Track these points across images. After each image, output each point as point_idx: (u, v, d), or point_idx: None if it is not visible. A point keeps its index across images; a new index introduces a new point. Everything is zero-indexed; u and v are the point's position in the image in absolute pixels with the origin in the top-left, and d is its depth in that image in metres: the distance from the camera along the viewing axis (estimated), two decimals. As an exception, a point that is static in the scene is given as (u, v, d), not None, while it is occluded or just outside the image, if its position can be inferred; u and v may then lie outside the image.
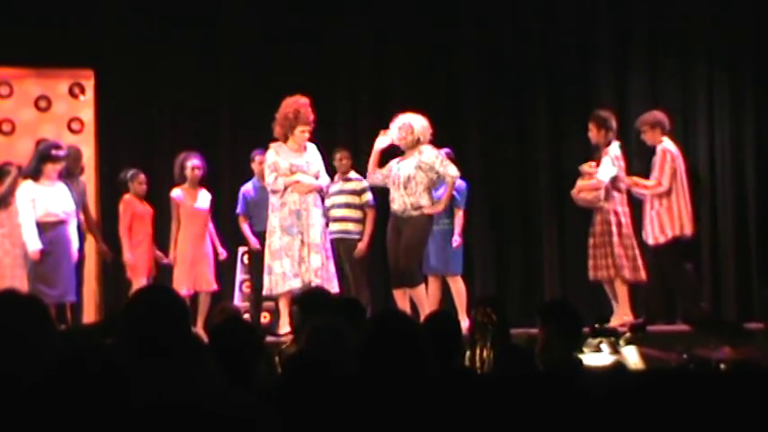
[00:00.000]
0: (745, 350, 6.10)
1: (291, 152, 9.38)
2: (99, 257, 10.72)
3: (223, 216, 10.87)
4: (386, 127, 9.64)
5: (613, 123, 9.88)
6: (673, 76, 11.34)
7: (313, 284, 8.90)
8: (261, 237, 9.75)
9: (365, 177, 9.98)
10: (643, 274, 9.80)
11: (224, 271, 10.81)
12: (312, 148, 9.47)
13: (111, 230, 10.45)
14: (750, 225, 11.01)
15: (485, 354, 5.73)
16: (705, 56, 11.29)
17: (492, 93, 11.75)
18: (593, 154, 10.02)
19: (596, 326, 6.40)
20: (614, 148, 9.80)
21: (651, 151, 9.99)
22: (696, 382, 3.71)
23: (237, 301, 10.87)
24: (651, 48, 11.44)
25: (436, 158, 9.44)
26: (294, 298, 7.38)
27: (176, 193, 10.23)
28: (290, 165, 9.32)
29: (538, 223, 11.63)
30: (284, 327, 8.94)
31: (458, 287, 10.03)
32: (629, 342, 6.42)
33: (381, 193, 9.86)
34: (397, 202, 9.44)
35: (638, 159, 10.25)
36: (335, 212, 10.19)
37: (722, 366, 5.91)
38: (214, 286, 10.27)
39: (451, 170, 9.49)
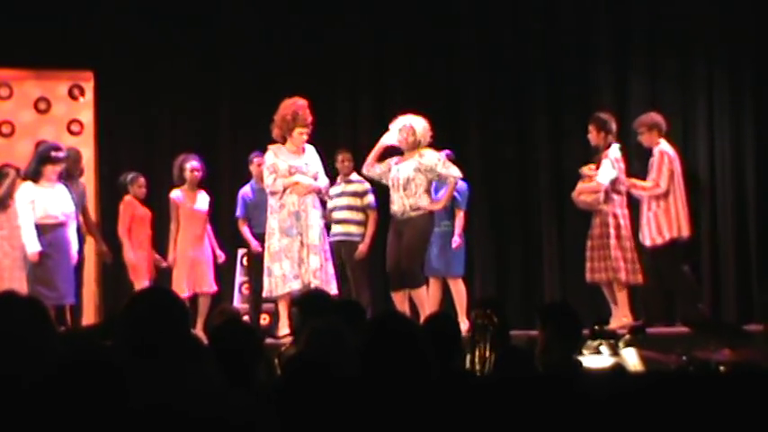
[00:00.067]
0: (744, 352, 6.10)
1: (290, 154, 9.38)
2: (99, 259, 10.72)
3: (222, 218, 10.87)
4: (386, 128, 9.64)
5: (613, 126, 9.88)
6: (672, 76, 11.33)
7: (312, 286, 8.91)
8: (260, 239, 9.75)
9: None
10: (641, 277, 9.81)
11: (223, 273, 10.81)
12: (310, 149, 9.47)
13: (111, 232, 10.44)
14: (750, 227, 10.99)
15: (485, 355, 5.72)
16: (705, 56, 11.28)
17: (492, 93, 11.75)
18: (593, 155, 10.02)
19: (596, 328, 6.40)
20: (614, 151, 9.80)
21: (648, 153, 10.00)
22: (696, 383, 3.72)
23: (237, 302, 10.86)
24: (651, 48, 11.43)
25: (438, 161, 9.44)
26: (294, 300, 7.38)
27: (175, 194, 10.23)
28: (289, 166, 9.32)
29: (538, 224, 11.63)
30: (284, 328, 8.94)
31: (458, 289, 10.03)
32: (628, 344, 6.41)
33: (383, 195, 9.84)
34: (397, 203, 9.44)
35: (638, 161, 10.24)
36: (337, 215, 10.18)
37: (722, 368, 5.91)
38: (214, 288, 10.27)
39: (454, 171, 9.50)
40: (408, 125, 9.44)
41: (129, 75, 11.50)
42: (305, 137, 9.38)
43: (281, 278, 9.21)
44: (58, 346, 3.50)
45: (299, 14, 11.66)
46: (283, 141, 9.41)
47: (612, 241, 9.71)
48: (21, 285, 9.20)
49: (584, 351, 6.06)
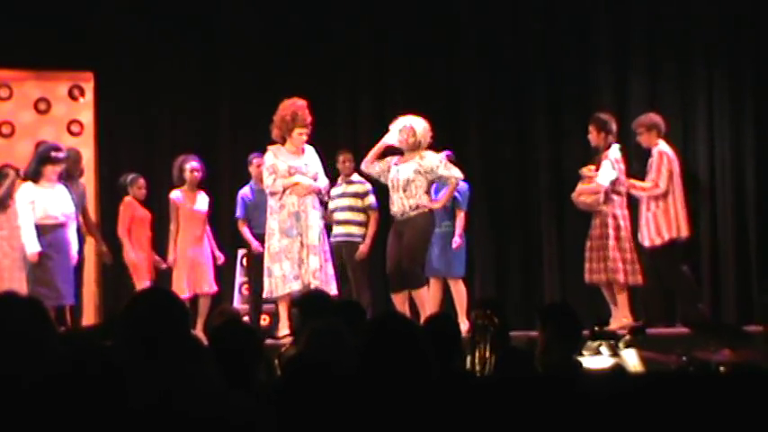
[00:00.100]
0: (744, 353, 6.10)
1: (290, 154, 9.39)
2: (99, 259, 10.72)
3: (222, 219, 10.86)
4: (386, 128, 9.64)
5: (613, 126, 9.88)
6: (672, 76, 11.32)
7: (312, 286, 8.91)
8: (260, 240, 9.75)
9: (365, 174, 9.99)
10: (640, 278, 9.80)
11: (223, 273, 10.81)
12: (310, 150, 9.48)
13: (111, 232, 10.44)
14: (750, 228, 10.98)
15: (486, 356, 5.72)
16: (705, 56, 11.27)
17: (492, 93, 11.75)
18: (593, 155, 10.02)
19: (596, 329, 6.40)
20: (614, 151, 9.80)
21: (647, 153, 10.00)
22: (695, 384, 3.72)
23: (237, 303, 10.86)
24: (651, 48, 11.43)
25: (440, 163, 9.45)
26: (294, 300, 7.39)
27: (175, 194, 10.23)
28: (289, 167, 9.32)
29: (538, 224, 11.62)
30: (284, 329, 8.94)
31: (459, 289, 10.03)
32: (628, 345, 6.41)
33: (384, 196, 9.83)
34: (397, 204, 9.44)
35: (638, 162, 10.23)
36: (338, 215, 10.18)
37: (722, 369, 5.91)
38: (214, 288, 10.27)
39: (455, 172, 9.51)
40: (408, 126, 9.44)
41: (128, 75, 11.50)
42: (304, 137, 9.38)
43: (281, 279, 9.21)
44: (57, 346, 3.50)
45: (299, 14, 11.65)
46: (283, 142, 9.41)
47: (611, 242, 9.71)
48: (20, 286, 9.20)
49: (584, 352, 6.06)
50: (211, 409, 3.24)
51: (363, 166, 9.75)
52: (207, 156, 10.75)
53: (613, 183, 9.75)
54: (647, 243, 9.85)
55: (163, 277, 10.28)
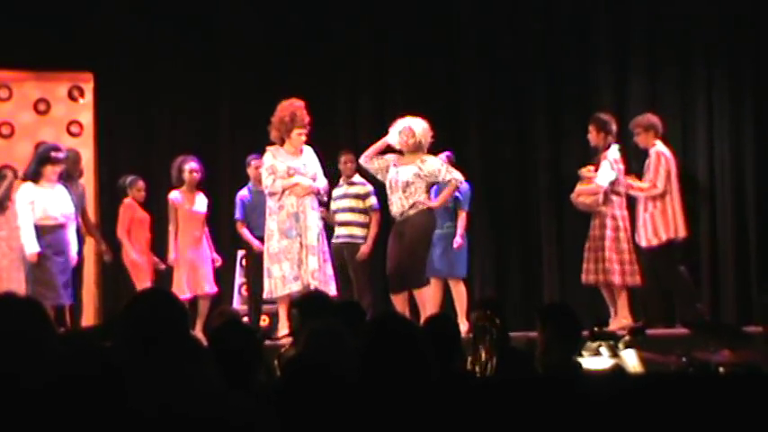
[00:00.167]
0: (744, 353, 6.09)
1: (288, 155, 9.39)
2: (98, 259, 10.71)
3: (221, 219, 10.86)
4: (386, 128, 9.64)
5: (613, 127, 9.88)
6: (672, 76, 11.32)
7: (311, 287, 8.91)
8: (259, 241, 9.74)
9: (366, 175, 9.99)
10: (638, 278, 9.80)
11: (223, 274, 10.81)
12: (308, 150, 9.48)
13: (111, 233, 10.44)
14: (749, 228, 10.97)
15: (485, 357, 5.72)
16: (705, 57, 11.26)
17: (492, 93, 11.74)
18: (593, 155, 10.02)
19: (595, 329, 6.39)
20: (613, 152, 9.80)
21: (644, 154, 10.00)
22: (695, 385, 3.72)
23: (237, 304, 10.85)
24: (651, 48, 11.42)
25: (441, 166, 9.46)
26: (293, 301, 7.38)
27: (174, 195, 10.22)
28: (288, 167, 9.32)
29: (537, 224, 11.62)
30: (283, 330, 8.93)
31: (459, 290, 10.03)
32: (628, 345, 6.40)
33: (385, 197, 9.81)
34: (396, 204, 9.44)
35: (637, 162, 10.23)
36: (340, 217, 10.17)
37: (721, 369, 5.90)
38: (214, 289, 10.27)
39: (456, 174, 9.52)
40: (407, 127, 9.44)
41: (128, 76, 11.50)
42: (303, 137, 9.38)
43: (281, 279, 9.22)
44: (57, 346, 3.50)
45: (299, 14, 11.65)
46: (282, 143, 9.41)
47: (608, 243, 9.71)
48: (19, 286, 9.20)
49: (584, 352, 6.05)
50: (211, 410, 3.24)
51: (362, 160, 9.74)
52: (206, 156, 10.74)
53: (613, 183, 9.75)
54: (644, 243, 9.85)
55: (163, 278, 10.27)
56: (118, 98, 11.54)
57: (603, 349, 6.23)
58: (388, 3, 11.78)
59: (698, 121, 11.19)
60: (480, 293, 10.87)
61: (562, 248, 11.43)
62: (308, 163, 9.42)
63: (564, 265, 11.33)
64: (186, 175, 10.20)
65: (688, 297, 9.89)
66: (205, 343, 4.79)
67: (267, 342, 8.23)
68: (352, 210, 10.18)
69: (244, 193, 10.37)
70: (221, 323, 5.41)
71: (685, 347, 6.38)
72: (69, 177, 9.79)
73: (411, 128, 9.43)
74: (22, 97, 11.63)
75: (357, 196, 10.20)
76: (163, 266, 10.30)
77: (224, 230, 10.90)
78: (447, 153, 10.00)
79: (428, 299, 9.40)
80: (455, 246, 10.05)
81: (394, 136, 9.49)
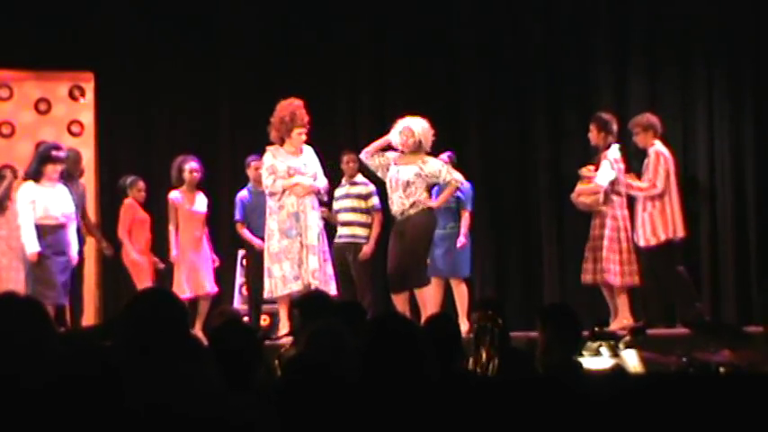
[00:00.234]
0: (744, 353, 6.09)
1: (288, 155, 9.39)
2: (100, 256, 10.72)
3: (222, 219, 10.85)
4: (386, 128, 9.64)
5: (614, 127, 9.88)
6: (672, 76, 11.32)
7: (312, 287, 8.90)
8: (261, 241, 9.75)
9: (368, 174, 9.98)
10: (637, 279, 9.80)
11: (223, 274, 10.80)
12: (308, 150, 9.48)
13: (111, 232, 10.43)
14: (750, 228, 10.97)
15: (486, 357, 5.71)
16: (705, 57, 11.26)
17: (492, 93, 11.74)
18: (593, 155, 10.02)
19: (596, 329, 6.38)
20: (613, 152, 9.80)
21: (644, 153, 10.00)
22: (695, 385, 3.72)
23: (237, 303, 10.85)
24: (651, 48, 11.43)
25: (442, 167, 9.46)
26: (294, 301, 7.38)
27: (174, 195, 10.21)
28: (288, 167, 9.32)
29: (537, 224, 11.62)
30: (283, 330, 8.93)
31: (461, 290, 10.03)
32: (628, 345, 6.40)
33: (386, 198, 9.80)
34: (396, 203, 9.44)
35: (637, 162, 10.23)
36: (342, 217, 10.15)
37: (722, 369, 5.90)
38: (214, 289, 10.27)
39: (456, 176, 9.52)
40: (407, 127, 9.45)
41: (129, 75, 11.50)
42: (303, 137, 9.38)
43: (281, 279, 9.22)
44: (57, 346, 3.50)
45: (299, 14, 11.65)
46: (281, 143, 9.41)
47: (606, 242, 9.71)
48: (17, 286, 9.20)
49: (585, 352, 6.04)
50: (211, 410, 3.24)
51: (362, 155, 9.73)
52: (206, 156, 10.74)
53: (613, 183, 9.75)
54: (642, 243, 9.84)
55: (163, 278, 10.27)
56: (118, 98, 11.54)
57: (604, 349, 6.23)
58: (388, 3, 11.77)
59: (698, 121, 11.19)
60: (480, 293, 10.86)
61: (562, 248, 11.42)
62: (309, 162, 9.42)
63: (564, 265, 11.33)
64: (186, 175, 10.19)
65: (687, 297, 9.89)
66: (205, 342, 4.79)
67: (267, 342, 8.23)
68: (354, 210, 10.17)
69: (243, 194, 10.36)
70: (222, 323, 5.41)
71: (686, 347, 6.38)
72: (70, 177, 9.79)
73: (410, 128, 9.44)
74: (22, 97, 11.63)
75: (359, 196, 10.19)
76: (162, 266, 10.29)
77: (224, 230, 10.90)
78: (448, 153, 10.00)
79: (429, 298, 9.40)
80: (459, 245, 10.04)
81: (395, 136, 9.50)
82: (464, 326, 8.35)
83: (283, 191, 9.29)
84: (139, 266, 10.14)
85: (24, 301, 3.71)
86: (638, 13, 11.50)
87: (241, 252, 10.83)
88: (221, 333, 4.61)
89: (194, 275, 10.10)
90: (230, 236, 10.78)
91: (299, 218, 9.26)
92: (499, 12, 11.76)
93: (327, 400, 3.52)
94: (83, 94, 11.68)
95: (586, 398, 3.48)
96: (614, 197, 9.78)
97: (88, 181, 10.74)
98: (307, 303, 6.21)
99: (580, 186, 9.94)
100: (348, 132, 11.63)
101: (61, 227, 9.37)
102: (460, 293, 10.00)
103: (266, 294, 9.41)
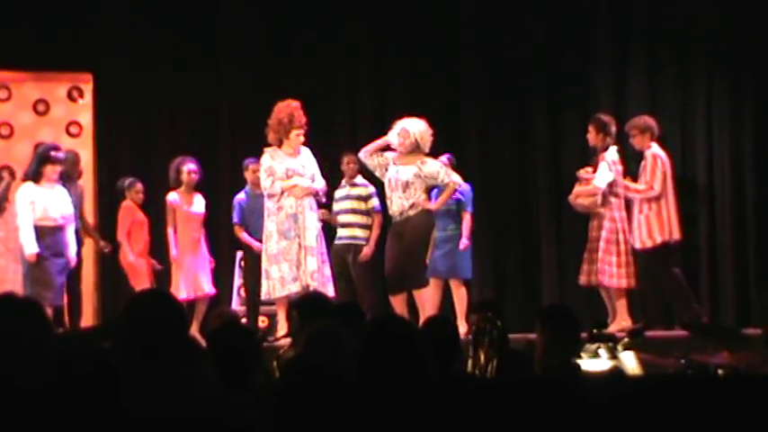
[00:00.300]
0: (742, 355, 6.09)
1: (287, 156, 9.39)
2: (97, 259, 10.71)
3: (220, 221, 10.84)
4: (385, 129, 9.64)
5: (613, 128, 9.88)
6: (672, 77, 11.32)
7: (310, 288, 8.90)
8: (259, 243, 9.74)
9: (367, 174, 9.98)
10: (633, 281, 9.79)
11: (221, 275, 10.80)
12: (306, 151, 9.48)
13: (109, 233, 10.42)
14: (748, 230, 10.96)
15: (485, 359, 5.71)
16: (705, 57, 11.26)
17: (492, 93, 11.74)
18: (592, 156, 10.01)
19: (594, 331, 6.38)
20: (611, 153, 9.80)
21: (640, 156, 10.00)
22: (694, 387, 3.72)
23: (235, 305, 10.84)
24: (651, 48, 11.42)
25: (441, 169, 9.47)
26: (292, 302, 7.38)
27: (172, 196, 10.20)
28: (286, 169, 9.32)
29: (537, 225, 11.61)
30: (282, 331, 8.93)
31: (460, 293, 10.01)
32: (627, 347, 6.39)
33: (385, 197, 9.80)
34: (395, 203, 9.45)
35: (636, 164, 10.23)
36: (342, 218, 10.15)
37: (720, 371, 5.90)
38: (212, 290, 10.26)
39: (455, 177, 9.52)
40: (403, 129, 9.46)
41: (128, 76, 11.49)
42: (301, 138, 9.39)
43: (280, 281, 9.22)
44: (55, 347, 3.50)
45: (299, 14, 11.65)
46: (279, 144, 9.41)
47: (602, 244, 9.71)
48: (15, 287, 9.20)
49: (583, 354, 6.04)
50: (209, 411, 3.24)
51: (361, 154, 9.73)
52: (206, 157, 10.73)
53: (611, 185, 9.75)
54: (638, 245, 9.83)
55: (161, 280, 10.26)
56: (117, 99, 11.54)
57: (602, 351, 6.22)
58: (388, 3, 11.77)
59: (697, 122, 11.19)
60: (479, 295, 10.84)
61: (561, 249, 11.42)
62: (307, 164, 9.43)
63: (563, 266, 11.32)
64: (185, 176, 10.18)
65: (683, 299, 9.89)
66: (203, 344, 4.79)
67: (265, 343, 8.23)
68: (354, 211, 10.16)
69: (241, 196, 10.35)
70: (220, 324, 5.41)
71: (684, 349, 6.38)
72: (68, 178, 9.79)
73: (406, 129, 9.45)
74: (21, 98, 11.63)
75: (359, 197, 10.18)
76: (160, 267, 10.28)
77: (222, 232, 10.89)
78: (447, 155, 10.00)
79: (427, 300, 9.40)
80: (461, 247, 10.02)
81: (393, 137, 9.51)
82: (463, 328, 8.35)
83: (282, 192, 9.29)
84: (137, 269, 10.13)
85: (23, 302, 3.70)
86: (638, 13, 11.49)
87: (239, 254, 10.82)
88: (220, 334, 4.61)
89: (192, 277, 10.09)
90: (229, 237, 10.77)
91: (297, 219, 9.26)
92: (499, 12, 11.76)
93: (326, 401, 3.51)
94: (81, 95, 11.68)
95: (585, 399, 3.48)
96: (612, 199, 9.78)
97: (87, 182, 10.74)
98: (305, 305, 6.20)
99: (578, 188, 9.94)
100: (348, 133, 11.63)
101: (60, 228, 9.38)
102: (460, 295, 9.99)
103: (264, 296, 9.41)
